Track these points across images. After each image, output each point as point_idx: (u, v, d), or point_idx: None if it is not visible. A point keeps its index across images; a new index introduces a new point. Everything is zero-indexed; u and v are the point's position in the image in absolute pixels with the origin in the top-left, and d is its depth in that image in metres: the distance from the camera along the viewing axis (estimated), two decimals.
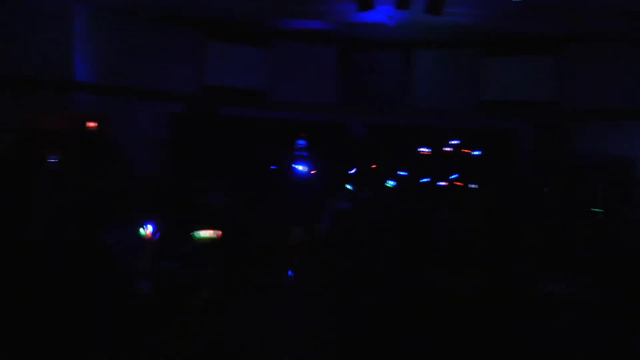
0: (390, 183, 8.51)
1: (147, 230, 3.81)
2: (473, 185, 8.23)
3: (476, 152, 11.32)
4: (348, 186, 8.01)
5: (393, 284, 4.58)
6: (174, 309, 3.44)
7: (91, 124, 10.74)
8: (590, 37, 11.82)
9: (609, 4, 9.57)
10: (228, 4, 10.38)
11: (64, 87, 10.45)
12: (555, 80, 12.46)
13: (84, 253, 3.61)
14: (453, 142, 11.24)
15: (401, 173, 10.31)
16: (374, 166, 10.70)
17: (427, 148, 11.23)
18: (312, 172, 10.08)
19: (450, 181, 9.66)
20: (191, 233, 4.27)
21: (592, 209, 7.67)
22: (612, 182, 10.26)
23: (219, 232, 4.38)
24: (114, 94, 10.85)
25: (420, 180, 9.69)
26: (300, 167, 9.87)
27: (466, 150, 11.33)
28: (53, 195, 5.06)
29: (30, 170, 7.48)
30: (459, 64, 12.99)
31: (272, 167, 10.12)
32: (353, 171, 10.19)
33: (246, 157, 10.66)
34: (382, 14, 10.42)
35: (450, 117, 12.39)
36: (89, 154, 10.11)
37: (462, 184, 9.09)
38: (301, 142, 11.16)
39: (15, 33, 9.96)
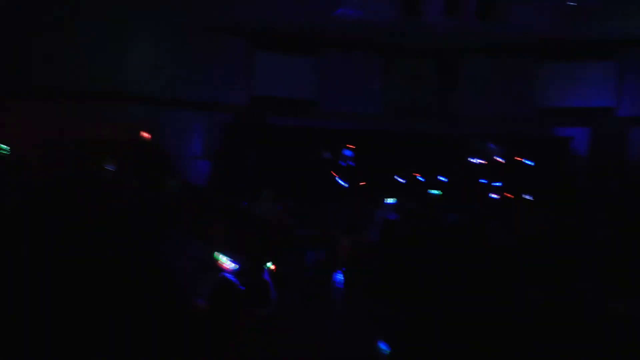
0: (434, 192, 8.36)
1: (227, 264, 3.82)
2: (527, 196, 7.94)
3: (529, 161, 10.97)
4: (394, 198, 7.91)
5: (442, 296, 4.46)
6: (231, 323, 3.46)
7: (145, 134, 11.12)
8: None
9: None
10: (276, 14, 10.51)
11: (117, 98, 10.83)
12: (615, 85, 11.94)
13: (142, 265, 3.69)
14: (505, 150, 10.96)
15: (449, 182, 10.15)
16: (416, 174, 10.58)
17: (478, 157, 10.99)
18: (362, 183, 10.06)
19: (502, 190, 9.40)
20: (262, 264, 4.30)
21: None
22: None
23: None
24: (166, 105, 11.16)
25: (471, 190, 9.48)
26: (346, 177, 9.86)
27: (519, 159, 11.00)
28: (111, 204, 5.22)
29: (92, 179, 7.77)
30: (511, 70, 12.62)
31: (319, 177, 10.17)
32: (403, 181, 10.10)
33: (295, 166, 10.74)
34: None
35: (502, 125, 12.04)
36: (143, 163, 10.45)
37: (514, 194, 8.80)
38: (348, 152, 11.12)
39: (74, 47, 10.42)
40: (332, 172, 10.92)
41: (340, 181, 10.34)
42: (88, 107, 10.41)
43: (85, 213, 4.19)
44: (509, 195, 9.23)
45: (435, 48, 12.66)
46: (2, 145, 9.10)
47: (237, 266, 3.98)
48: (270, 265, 4.61)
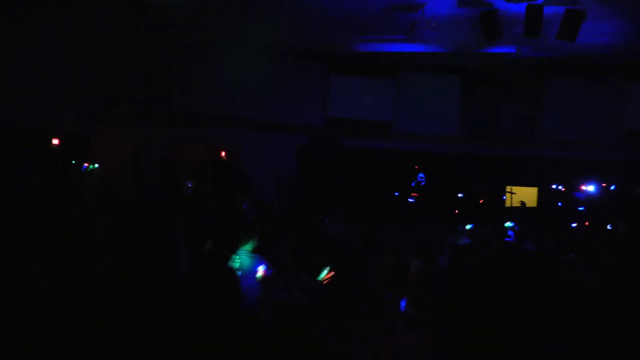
0: (508, 224, 8.09)
1: (260, 271, 4.01)
2: (609, 226, 7.45)
3: (613, 187, 10.32)
4: (470, 223, 7.72)
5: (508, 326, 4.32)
6: (293, 338, 3.56)
7: (223, 154, 11.65)
8: None
9: None
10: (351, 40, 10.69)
11: (200, 120, 11.42)
12: None
13: (217, 282, 3.89)
14: (590, 177, 10.38)
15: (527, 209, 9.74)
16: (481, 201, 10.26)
17: (559, 184, 10.51)
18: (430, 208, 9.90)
19: (583, 220, 8.89)
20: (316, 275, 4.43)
21: None
22: None
23: (332, 273, 4.50)
24: (245, 125, 11.61)
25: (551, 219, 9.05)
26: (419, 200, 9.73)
27: (605, 186, 10.38)
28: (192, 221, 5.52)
29: (178, 196, 8.21)
30: (597, 90, 11.98)
31: (394, 199, 10.12)
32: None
33: (368, 188, 10.78)
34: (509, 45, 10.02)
35: (588, 149, 11.43)
36: (222, 182, 10.94)
37: (598, 224, 8.28)
38: (421, 175, 11.02)
39: (159, 74, 11.14)
40: (408, 194, 10.84)
41: (411, 202, 10.24)
42: (175, 130, 11.08)
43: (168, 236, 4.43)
44: (591, 225, 8.72)
45: (515, 69, 12.31)
46: (93, 165, 9.90)
47: (270, 271, 4.12)
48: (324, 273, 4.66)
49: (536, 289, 4.67)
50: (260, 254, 4.37)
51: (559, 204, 10.17)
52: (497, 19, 8.83)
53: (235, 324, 3.64)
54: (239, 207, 7.52)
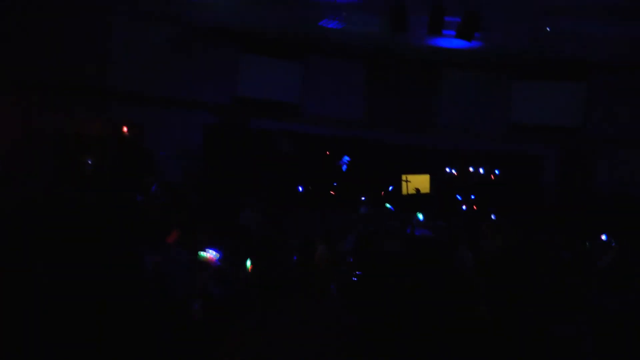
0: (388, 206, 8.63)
1: (209, 254, 4.02)
2: (493, 216, 8.29)
3: (498, 175, 11.35)
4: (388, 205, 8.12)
5: (407, 309, 4.74)
6: (221, 330, 3.65)
7: (125, 131, 11.15)
8: (620, 65, 11.81)
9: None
10: (263, 17, 10.64)
11: (100, 93, 10.84)
12: (584, 106, 12.43)
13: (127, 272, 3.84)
14: (478, 165, 11.32)
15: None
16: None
17: (452, 170, 11.32)
18: (332, 193, 10.27)
19: (472, 204, 9.72)
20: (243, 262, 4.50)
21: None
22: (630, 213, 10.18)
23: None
24: (148, 102, 11.21)
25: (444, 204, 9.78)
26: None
27: (491, 175, 11.40)
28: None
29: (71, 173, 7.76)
30: (488, 85, 13.03)
31: (300, 184, 10.33)
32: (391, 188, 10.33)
33: (275, 170, 10.89)
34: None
35: (476, 139, 12.43)
36: (123, 159, 10.50)
37: (483, 212, 9.14)
38: (344, 160, 11.27)
39: (55, 40, 10.38)
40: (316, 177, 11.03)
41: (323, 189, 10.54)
42: (71, 101, 10.41)
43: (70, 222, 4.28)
44: (477, 211, 9.58)
45: (418, 59, 12.97)
46: None
47: (219, 255, 4.18)
48: (248, 264, 4.80)
49: (431, 276, 5.14)
50: (177, 245, 4.39)
51: (452, 189, 10.97)
52: (405, 13, 9.30)
53: (157, 313, 3.66)
54: (148, 189, 7.32)
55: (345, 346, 4.39)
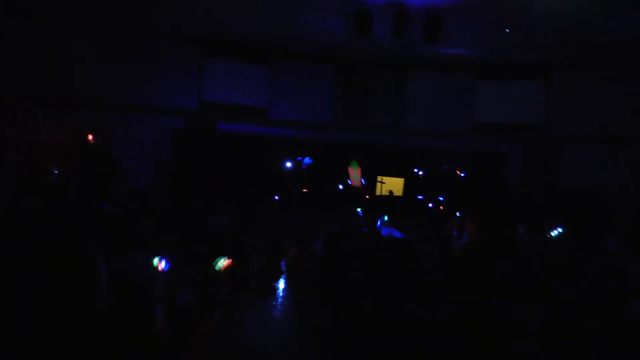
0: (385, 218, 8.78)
1: (159, 262, 4.02)
2: (458, 214, 8.48)
3: (464, 175, 11.60)
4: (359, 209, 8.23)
5: (376, 309, 4.83)
6: (186, 333, 3.66)
7: (91, 138, 10.99)
8: (579, 64, 12.23)
9: (595, 34, 10.01)
10: (227, 20, 10.63)
11: (64, 101, 10.66)
12: (545, 104, 12.81)
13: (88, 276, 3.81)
14: (445, 164, 11.55)
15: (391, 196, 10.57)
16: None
17: (420, 169, 11.51)
18: (304, 190, 10.32)
19: (439, 204, 9.92)
20: (212, 264, 4.50)
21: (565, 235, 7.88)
22: (591, 208, 10.56)
23: (229, 261, 4.62)
24: (114, 109, 11.07)
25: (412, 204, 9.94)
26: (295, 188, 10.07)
27: (457, 172, 11.63)
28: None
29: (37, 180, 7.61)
30: (452, 86, 13.31)
31: (270, 188, 10.34)
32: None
33: (244, 174, 10.88)
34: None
35: (443, 139, 12.67)
36: (90, 167, 10.34)
37: (450, 210, 9.32)
38: (307, 161, 11.32)
39: (16, 47, 10.18)
40: (286, 180, 11.08)
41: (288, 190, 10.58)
42: (34, 109, 10.21)
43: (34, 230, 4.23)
44: (444, 210, 9.77)
45: (384, 62, 13.15)
46: None
47: (167, 265, 4.18)
48: (221, 263, 4.80)
49: (399, 276, 5.25)
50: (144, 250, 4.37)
51: (419, 189, 11.16)
52: (369, 17, 9.45)
53: (122, 319, 3.64)
54: (120, 199, 7.23)
55: (317, 346, 4.45)
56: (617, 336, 4.13)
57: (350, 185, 11.07)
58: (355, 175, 11.30)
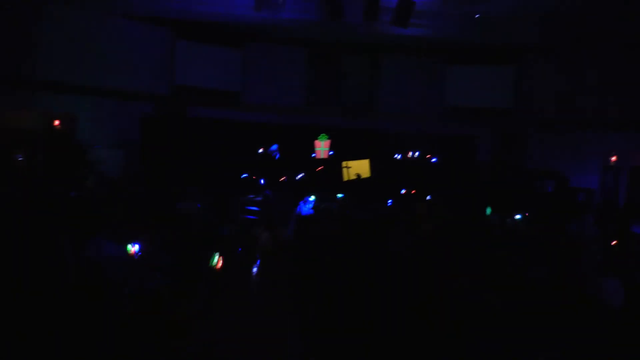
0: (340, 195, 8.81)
1: (132, 248, 4.01)
2: (428, 197, 8.60)
3: (435, 159, 11.74)
4: (313, 195, 8.26)
5: (345, 290, 4.90)
6: (160, 320, 3.66)
7: (58, 123, 10.71)
8: (547, 49, 12.43)
9: (563, 19, 10.18)
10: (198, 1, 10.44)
11: (30, 85, 10.38)
12: (514, 89, 13.01)
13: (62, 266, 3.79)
14: (416, 147, 11.64)
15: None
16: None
17: (394, 153, 11.57)
18: (281, 179, 10.32)
19: (410, 186, 10.01)
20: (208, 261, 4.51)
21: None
22: (556, 192, 10.82)
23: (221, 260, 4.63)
24: (82, 93, 10.82)
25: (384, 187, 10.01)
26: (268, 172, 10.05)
27: (428, 156, 11.75)
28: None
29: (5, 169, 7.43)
30: (423, 70, 13.41)
31: (242, 173, 10.26)
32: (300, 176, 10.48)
33: (215, 159, 10.78)
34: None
35: (414, 123, 12.78)
36: (56, 153, 10.10)
37: (420, 193, 9.43)
38: (273, 147, 11.28)
39: None
40: (258, 164, 11.01)
41: (259, 178, 10.53)
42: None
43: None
44: (415, 193, 9.87)
45: (357, 45, 13.14)
46: None
47: (138, 246, 4.18)
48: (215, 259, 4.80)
49: (369, 256, 5.32)
50: (115, 239, 4.34)
51: (391, 171, 11.24)
52: (340, 1, 9.43)
53: (94, 306, 3.63)
54: (88, 185, 7.10)
55: (294, 332, 4.50)
56: (575, 313, 4.29)
57: (315, 158, 11.09)
58: (322, 148, 11.32)
